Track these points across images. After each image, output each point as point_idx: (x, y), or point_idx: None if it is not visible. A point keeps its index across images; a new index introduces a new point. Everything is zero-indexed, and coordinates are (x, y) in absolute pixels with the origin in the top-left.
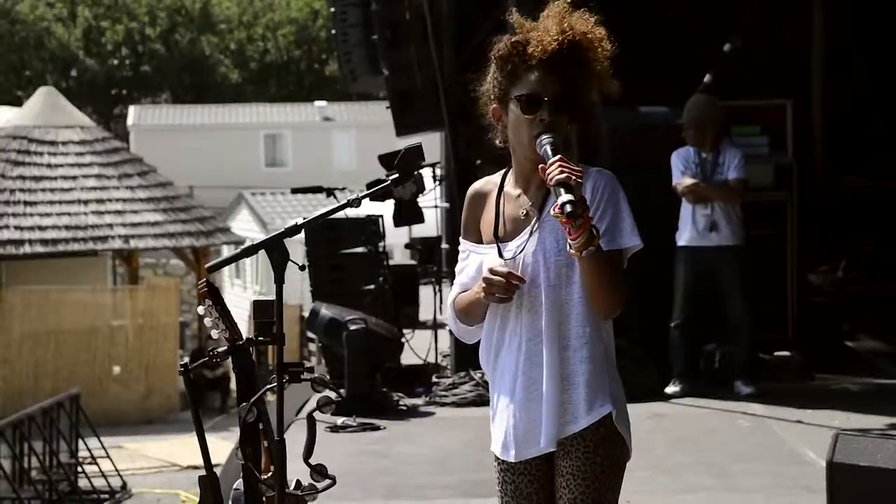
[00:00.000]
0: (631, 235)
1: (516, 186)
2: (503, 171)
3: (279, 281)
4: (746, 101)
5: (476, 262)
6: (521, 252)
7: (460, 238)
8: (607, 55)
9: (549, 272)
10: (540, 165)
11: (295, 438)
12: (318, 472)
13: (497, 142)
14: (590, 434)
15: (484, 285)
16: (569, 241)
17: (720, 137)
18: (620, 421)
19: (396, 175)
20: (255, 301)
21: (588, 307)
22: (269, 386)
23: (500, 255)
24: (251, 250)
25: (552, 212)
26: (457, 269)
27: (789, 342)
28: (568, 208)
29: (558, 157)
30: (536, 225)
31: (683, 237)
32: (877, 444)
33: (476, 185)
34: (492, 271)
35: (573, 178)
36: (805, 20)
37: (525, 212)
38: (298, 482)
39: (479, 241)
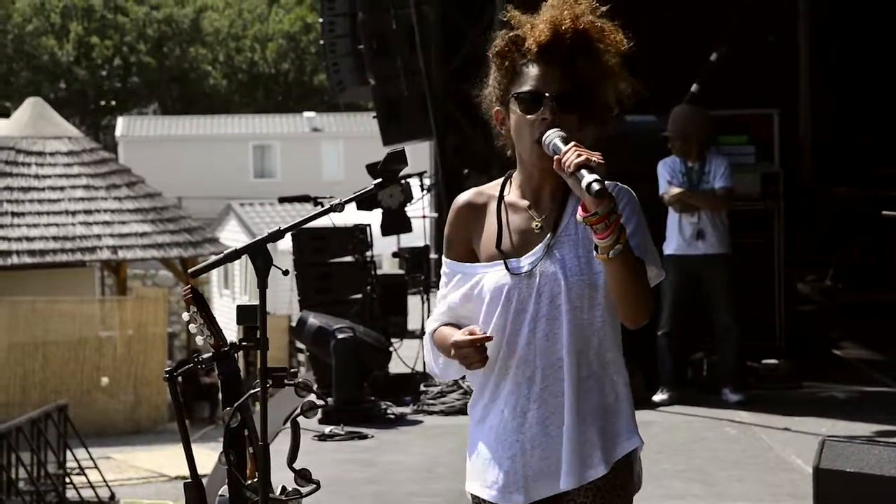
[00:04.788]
0: (655, 259)
1: (522, 197)
2: (501, 181)
3: (262, 286)
4: (733, 110)
5: (469, 282)
6: (535, 268)
7: (443, 258)
8: (621, 48)
9: (571, 293)
10: (556, 158)
11: (282, 449)
12: (303, 476)
13: (507, 151)
14: (609, 474)
15: (459, 360)
16: (596, 241)
17: (706, 147)
18: (637, 456)
19: (381, 179)
20: (239, 306)
21: (611, 332)
22: (253, 391)
23: (508, 270)
24: (235, 255)
25: (578, 216)
26: (439, 294)
27: (777, 350)
28: (595, 186)
29: (572, 143)
30: (553, 240)
31: (670, 246)
32: (863, 450)
33: (465, 197)
34: (454, 345)
35: (594, 160)
36: (791, 29)
37: (539, 225)
38: (284, 488)
39: (472, 259)
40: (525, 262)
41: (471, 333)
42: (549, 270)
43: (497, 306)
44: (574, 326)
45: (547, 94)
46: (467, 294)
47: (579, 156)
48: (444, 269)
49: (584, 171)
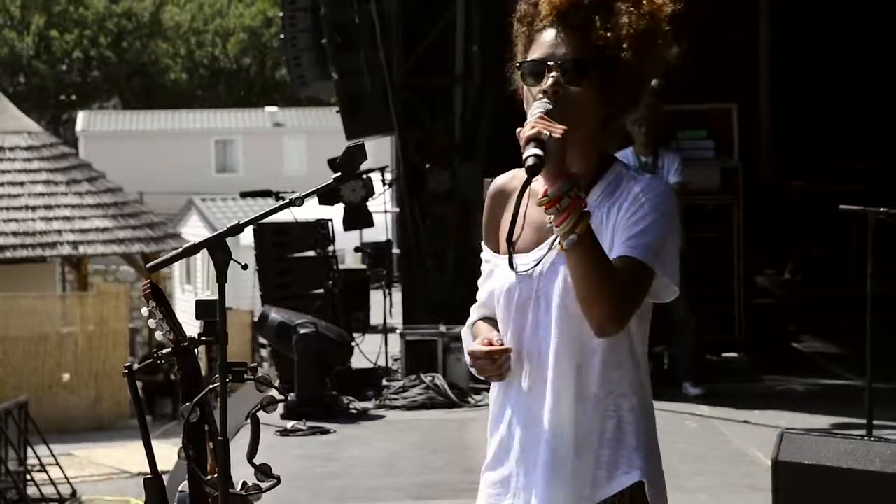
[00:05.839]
0: (672, 271)
1: None
2: None
3: (221, 280)
4: (693, 104)
5: (492, 276)
6: (535, 266)
7: (482, 244)
8: (662, 9)
9: (568, 298)
10: (517, 130)
11: (243, 444)
12: (262, 471)
13: None
14: None
15: (475, 372)
16: (553, 227)
17: (661, 141)
18: (655, 490)
19: (340, 174)
20: (198, 300)
21: (621, 345)
22: (212, 386)
23: (511, 266)
24: (194, 249)
25: (538, 201)
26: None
27: (736, 344)
28: (529, 161)
29: (538, 112)
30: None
31: None
32: (821, 442)
33: (501, 179)
34: (469, 354)
35: (546, 133)
36: (752, 24)
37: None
38: (244, 483)
39: (497, 248)
40: (529, 259)
41: (489, 343)
42: (549, 271)
43: (502, 306)
44: (568, 338)
45: (550, 63)
46: (490, 290)
47: (533, 127)
48: (482, 255)
49: (531, 144)
